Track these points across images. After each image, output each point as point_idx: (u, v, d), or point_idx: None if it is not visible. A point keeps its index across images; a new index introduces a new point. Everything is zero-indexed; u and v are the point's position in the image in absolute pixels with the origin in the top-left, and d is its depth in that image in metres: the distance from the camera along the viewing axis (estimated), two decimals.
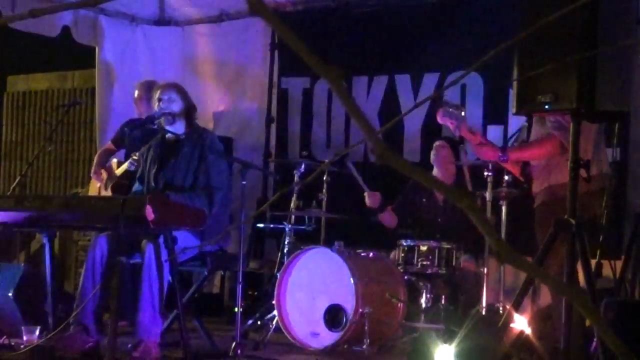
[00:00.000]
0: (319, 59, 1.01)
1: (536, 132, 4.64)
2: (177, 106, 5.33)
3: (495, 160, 4.80)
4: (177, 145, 5.34)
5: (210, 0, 8.03)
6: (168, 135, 5.38)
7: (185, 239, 5.01)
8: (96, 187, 6.54)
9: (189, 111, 5.38)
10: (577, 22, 3.52)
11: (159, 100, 5.33)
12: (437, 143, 6.43)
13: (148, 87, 6.44)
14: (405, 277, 5.78)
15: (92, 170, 6.54)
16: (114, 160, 6.54)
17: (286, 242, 6.28)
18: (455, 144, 6.48)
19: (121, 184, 6.25)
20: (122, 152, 6.63)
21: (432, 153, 6.41)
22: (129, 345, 4.76)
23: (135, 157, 5.70)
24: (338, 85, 0.99)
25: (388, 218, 6.36)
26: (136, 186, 5.52)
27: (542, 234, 4.25)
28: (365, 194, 6.23)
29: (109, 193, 6.36)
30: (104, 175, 6.49)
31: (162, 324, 4.87)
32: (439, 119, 4.77)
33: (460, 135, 4.74)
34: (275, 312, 5.64)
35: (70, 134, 9.91)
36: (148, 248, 4.78)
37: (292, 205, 6.33)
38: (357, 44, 7.53)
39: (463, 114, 4.69)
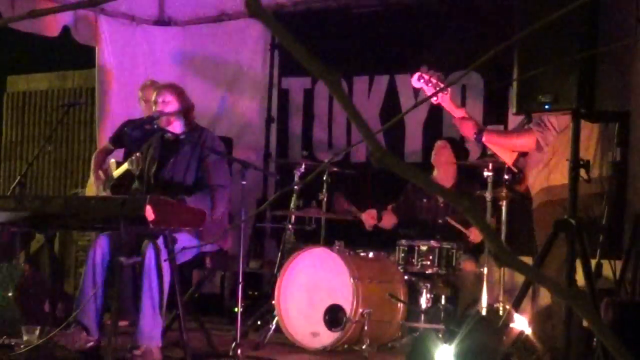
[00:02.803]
0: (316, 60, 1.01)
1: None
2: (172, 107, 5.33)
3: (471, 137, 4.73)
4: (176, 144, 5.34)
5: (210, 0, 8.03)
6: (168, 134, 5.38)
7: (185, 239, 5.01)
8: (93, 188, 6.53)
9: (187, 111, 5.38)
10: (577, 22, 3.52)
11: (155, 102, 5.37)
12: (437, 143, 6.42)
13: (150, 88, 6.45)
14: (405, 277, 5.78)
15: (94, 175, 6.53)
16: (112, 161, 6.53)
17: (286, 242, 6.28)
18: (457, 144, 6.47)
19: (120, 185, 6.25)
20: (121, 152, 6.62)
21: (433, 153, 6.40)
22: (129, 346, 4.76)
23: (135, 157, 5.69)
24: (336, 87, 0.99)
25: (387, 222, 6.37)
26: (136, 184, 5.53)
27: (542, 235, 4.25)
28: (360, 215, 6.23)
29: (108, 193, 6.35)
30: (102, 176, 6.48)
31: (162, 325, 4.87)
32: (413, 83, 4.67)
33: (439, 103, 4.66)
34: (275, 312, 5.64)
35: (70, 134, 9.91)
36: (148, 248, 4.78)
37: (292, 205, 6.33)
38: (357, 44, 7.52)
39: (442, 84, 4.63)
